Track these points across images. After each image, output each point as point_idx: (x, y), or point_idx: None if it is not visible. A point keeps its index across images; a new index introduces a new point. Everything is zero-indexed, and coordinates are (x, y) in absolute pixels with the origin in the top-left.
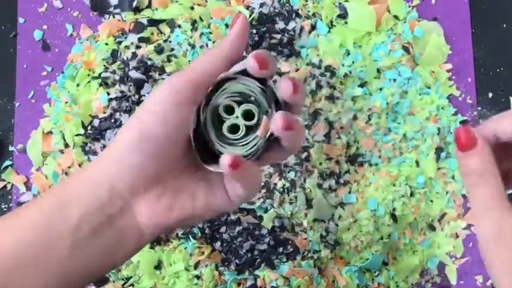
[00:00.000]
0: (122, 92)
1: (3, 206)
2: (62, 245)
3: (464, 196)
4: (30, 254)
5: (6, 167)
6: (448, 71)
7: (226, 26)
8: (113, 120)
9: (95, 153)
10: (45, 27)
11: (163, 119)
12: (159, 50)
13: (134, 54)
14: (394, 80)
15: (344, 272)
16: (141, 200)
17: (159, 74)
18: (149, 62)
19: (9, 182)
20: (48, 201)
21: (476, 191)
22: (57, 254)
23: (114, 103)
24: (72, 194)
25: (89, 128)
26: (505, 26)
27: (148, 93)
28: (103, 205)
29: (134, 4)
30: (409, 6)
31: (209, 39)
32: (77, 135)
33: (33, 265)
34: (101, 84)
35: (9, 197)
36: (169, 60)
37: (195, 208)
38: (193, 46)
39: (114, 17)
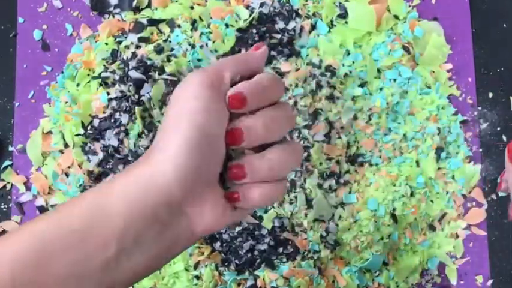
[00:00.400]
0: (121, 92)
1: (2, 206)
2: (101, 257)
3: (464, 196)
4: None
5: (6, 167)
6: (448, 70)
7: (227, 26)
8: (112, 120)
9: (94, 153)
10: (44, 27)
11: (211, 115)
12: (159, 50)
13: (134, 54)
14: (394, 80)
15: (344, 272)
16: (194, 207)
17: (159, 74)
18: (149, 62)
19: (8, 182)
20: (89, 208)
21: None
22: (94, 267)
23: (114, 103)
24: (118, 200)
25: (89, 128)
26: (505, 26)
27: (148, 92)
28: (157, 214)
29: (134, 4)
30: (410, 6)
31: (209, 39)
32: (76, 135)
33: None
34: (100, 84)
35: (9, 197)
36: (169, 60)
37: (229, 217)
38: (193, 46)
39: (114, 16)
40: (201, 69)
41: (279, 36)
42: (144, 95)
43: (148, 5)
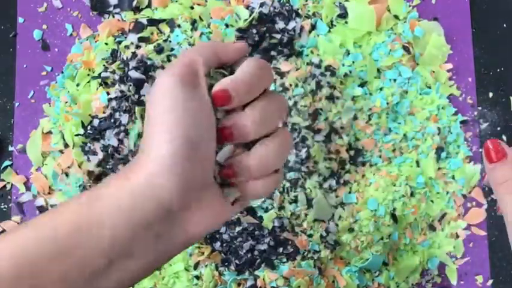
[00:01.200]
0: (121, 91)
1: (2, 206)
2: (89, 269)
3: (464, 196)
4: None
5: (6, 167)
6: (448, 70)
7: (226, 26)
8: (112, 120)
9: (94, 153)
10: (44, 27)
11: (189, 113)
12: (159, 50)
13: (134, 54)
14: (395, 80)
15: (344, 272)
16: (191, 210)
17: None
18: (149, 62)
19: (8, 182)
20: (75, 220)
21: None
22: (81, 279)
23: (114, 103)
24: (109, 209)
25: (89, 128)
26: (505, 25)
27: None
28: (151, 224)
29: (134, 4)
30: (410, 6)
31: (209, 39)
32: (76, 135)
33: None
34: (100, 84)
35: (9, 197)
36: (169, 60)
37: (229, 213)
38: (193, 46)
39: (113, 16)
40: (170, 65)
41: (279, 36)
42: (144, 95)
43: (148, 5)
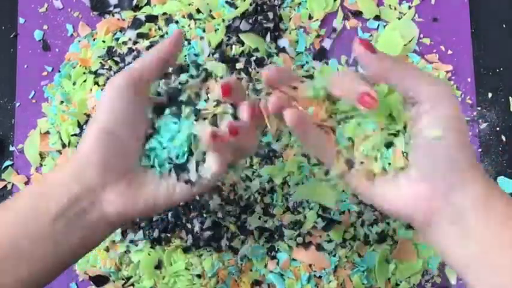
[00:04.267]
0: None
1: None
2: (42, 237)
3: None
4: (17, 245)
5: (7, 167)
6: (447, 71)
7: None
8: None
9: None
10: (45, 27)
11: (115, 114)
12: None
13: (130, 50)
14: None
15: (353, 274)
16: (109, 193)
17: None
18: None
19: (9, 182)
20: (28, 199)
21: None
22: (38, 246)
23: None
24: (49, 191)
25: (84, 127)
26: (504, 26)
27: None
28: (76, 200)
29: (134, 3)
30: (409, 7)
31: (204, 31)
32: (73, 135)
33: (18, 256)
34: (96, 82)
35: (10, 196)
36: None
37: (157, 200)
38: (189, 41)
39: (113, 16)
40: (121, 71)
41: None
42: None
43: (148, 3)
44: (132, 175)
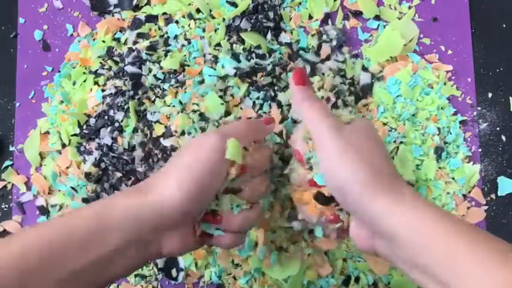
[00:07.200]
0: (116, 87)
1: (3, 206)
2: (98, 262)
3: (464, 196)
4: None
5: (7, 166)
6: (447, 71)
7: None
8: (106, 117)
9: (90, 153)
10: (45, 27)
11: (215, 170)
12: (155, 45)
13: (130, 50)
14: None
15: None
16: (173, 234)
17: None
18: (145, 57)
19: (9, 182)
20: (89, 226)
21: (314, 105)
22: (92, 269)
23: (108, 99)
24: (119, 218)
25: (84, 127)
26: (504, 26)
27: (143, 86)
28: (146, 235)
29: (134, 3)
30: (409, 7)
31: (203, 30)
32: (73, 135)
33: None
34: (96, 82)
35: (10, 196)
36: (165, 55)
37: (194, 245)
38: (189, 41)
39: (113, 15)
40: (217, 131)
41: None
42: (139, 92)
43: (148, 3)
44: (192, 223)
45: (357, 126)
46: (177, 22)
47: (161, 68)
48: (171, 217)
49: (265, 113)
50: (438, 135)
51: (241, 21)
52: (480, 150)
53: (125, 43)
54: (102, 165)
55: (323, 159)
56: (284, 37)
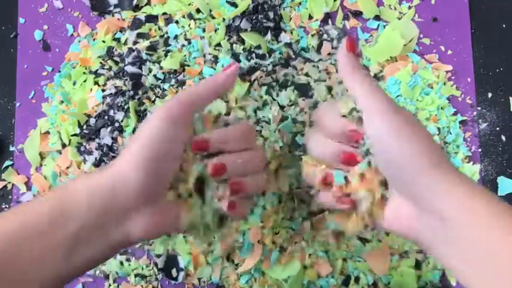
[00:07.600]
0: (116, 87)
1: (3, 206)
2: (58, 251)
3: None
4: (29, 250)
5: (7, 166)
6: (447, 71)
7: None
8: (106, 117)
9: (90, 153)
10: (45, 27)
11: (163, 136)
12: (155, 45)
13: (130, 50)
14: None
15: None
16: (137, 216)
17: (156, 69)
18: (145, 57)
19: (9, 182)
20: (51, 207)
21: (367, 78)
22: (52, 258)
23: (108, 99)
24: (75, 203)
25: (85, 127)
26: (504, 26)
27: (143, 86)
28: (103, 219)
29: (134, 3)
30: (409, 7)
31: (203, 31)
32: (73, 135)
33: (29, 258)
34: (96, 82)
35: (10, 196)
36: (165, 55)
37: (177, 226)
38: (189, 41)
39: (113, 15)
40: (165, 103)
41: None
42: (139, 91)
43: (148, 3)
44: (159, 200)
45: (405, 109)
46: (177, 22)
47: (161, 68)
48: (126, 196)
49: (263, 117)
50: (438, 135)
51: (241, 21)
52: (480, 150)
53: (125, 43)
54: (103, 165)
55: (380, 132)
56: (284, 37)
